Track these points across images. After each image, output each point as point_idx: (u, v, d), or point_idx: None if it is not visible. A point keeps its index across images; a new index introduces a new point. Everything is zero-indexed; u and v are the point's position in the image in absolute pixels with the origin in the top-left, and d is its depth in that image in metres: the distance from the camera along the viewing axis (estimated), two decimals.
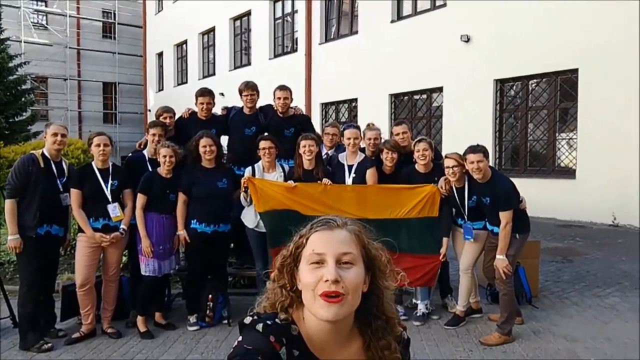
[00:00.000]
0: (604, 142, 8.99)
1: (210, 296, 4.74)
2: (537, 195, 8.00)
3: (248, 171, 4.82)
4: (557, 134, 10.22)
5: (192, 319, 4.73)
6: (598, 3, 8.98)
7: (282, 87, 5.40)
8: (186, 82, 21.58)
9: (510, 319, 4.19)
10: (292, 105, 5.53)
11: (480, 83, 11.01)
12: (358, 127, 5.00)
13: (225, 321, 4.78)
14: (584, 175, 9.39)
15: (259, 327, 1.16)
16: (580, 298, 5.14)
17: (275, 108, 5.43)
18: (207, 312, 4.73)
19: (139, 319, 4.60)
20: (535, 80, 10.54)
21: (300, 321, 1.21)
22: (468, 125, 10.87)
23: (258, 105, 5.57)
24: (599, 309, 4.82)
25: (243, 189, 4.65)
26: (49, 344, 4.27)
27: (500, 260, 4.19)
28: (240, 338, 1.17)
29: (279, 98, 5.34)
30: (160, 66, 23.79)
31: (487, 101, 10.99)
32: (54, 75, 23.90)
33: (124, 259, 5.11)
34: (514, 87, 11.02)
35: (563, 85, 10.01)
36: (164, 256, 4.68)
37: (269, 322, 1.18)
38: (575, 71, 9.58)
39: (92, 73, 25.30)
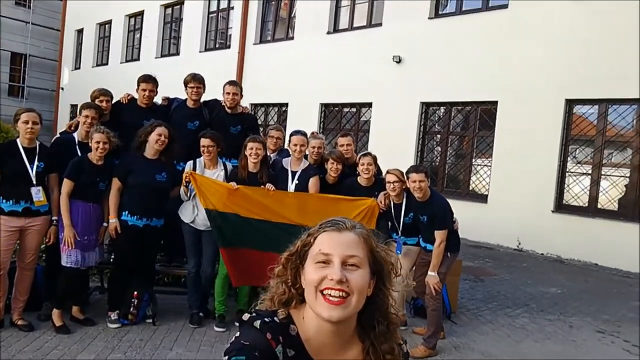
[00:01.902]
0: (514, 172, 9.67)
1: (135, 293, 4.52)
2: None
3: (189, 165, 4.68)
4: (473, 160, 10.86)
5: (114, 315, 4.48)
6: (520, 41, 9.69)
7: (232, 83, 5.29)
8: (107, 64, 20.46)
9: (436, 333, 4.39)
10: (240, 103, 5.44)
11: (408, 103, 11.45)
12: (305, 134, 5.02)
13: (150, 320, 4.58)
14: (495, 200, 10.04)
15: (257, 323, 1.16)
16: (493, 317, 5.48)
17: (223, 103, 5.30)
18: (131, 309, 4.50)
19: (55, 312, 4.29)
20: (458, 107, 11.14)
21: (300, 321, 1.21)
22: (393, 143, 11.25)
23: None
24: (511, 328, 5.16)
25: (184, 183, 4.51)
26: None
27: (432, 277, 4.37)
28: (237, 334, 1.16)
29: (228, 93, 5.20)
30: (80, 43, 22.33)
31: (413, 122, 11.44)
32: None
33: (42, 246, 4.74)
34: (438, 112, 11.57)
35: (483, 115, 10.67)
36: (89, 247, 4.40)
37: (267, 319, 1.18)
38: (495, 103, 10.24)
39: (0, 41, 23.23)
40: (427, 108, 11.49)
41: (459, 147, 11.20)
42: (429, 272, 4.40)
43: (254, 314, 1.20)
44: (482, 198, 10.40)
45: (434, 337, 4.36)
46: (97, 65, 21.07)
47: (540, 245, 9.18)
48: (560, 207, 9.22)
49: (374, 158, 4.83)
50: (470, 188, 10.81)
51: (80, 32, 22.25)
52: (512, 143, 9.79)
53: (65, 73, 22.55)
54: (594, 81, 8.75)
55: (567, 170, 9.33)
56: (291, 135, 4.97)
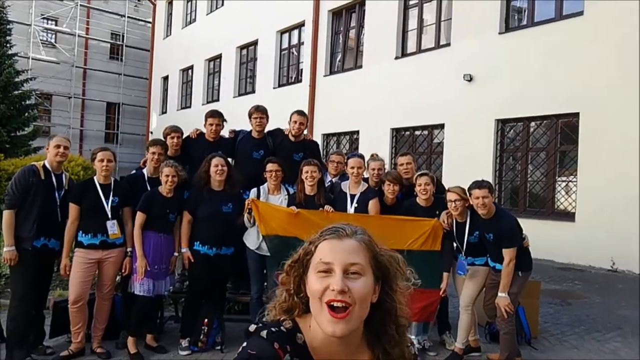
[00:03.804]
0: (603, 186, 9.00)
1: (205, 320, 4.64)
2: (536, 236, 7.88)
3: (253, 192, 4.82)
4: (556, 177, 10.24)
5: (185, 342, 4.62)
6: (598, 48, 9.15)
7: (300, 112, 5.45)
8: (190, 107, 21.72)
9: (510, 358, 4.11)
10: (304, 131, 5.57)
11: (482, 122, 11.09)
12: (362, 157, 5.00)
13: (218, 347, 4.67)
14: (583, 219, 9.36)
15: (264, 333, 1.16)
16: (579, 342, 5.05)
17: (287, 132, 5.45)
18: (201, 336, 4.62)
19: (130, 340, 4.49)
20: (536, 122, 10.63)
21: (307, 330, 1.20)
22: (468, 163, 10.90)
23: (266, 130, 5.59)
24: (599, 353, 4.72)
25: (247, 211, 4.63)
26: None
27: (503, 298, 4.13)
28: (244, 344, 1.16)
29: (295, 122, 5.38)
30: (165, 89, 23.98)
31: (488, 140, 11.04)
32: (59, 92, 24.06)
33: (118, 277, 5.01)
34: (515, 128, 11.10)
35: (564, 129, 10.10)
36: (160, 276, 4.61)
37: (273, 329, 1.17)
38: (576, 115, 9.66)
39: (97, 93, 25.48)
40: (502, 125, 11.06)
41: (540, 163, 10.63)
42: (499, 293, 4.15)
43: (260, 325, 1.20)
44: (569, 217, 9.74)
45: None
46: (182, 109, 22.40)
47: (638, 265, 8.39)
48: None
49: (431, 177, 4.67)
50: (556, 206, 10.17)
51: (165, 79, 23.88)
52: (598, 156, 9.14)
53: (153, 118, 24.18)
54: None
55: None
56: (348, 158, 4.98)
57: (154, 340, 4.68)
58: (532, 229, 8.78)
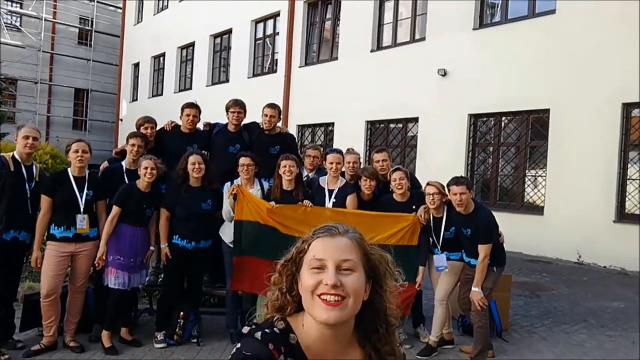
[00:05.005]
0: (570, 182, 9.25)
1: (181, 313, 4.61)
2: (506, 229, 8.04)
3: (227, 186, 4.77)
4: (526, 171, 10.48)
5: (160, 336, 4.58)
6: (570, 46, 9.36)
7: (271, 105, 5.41)
8: (161, 94, 21.36)
9: (483, 351, 4.21)
10: (278, 124, 5.53)
11: (455, 116, 11.24)
12: (341, 152, 5.02)
13: (194, 340, 4.64)
14: (551, 212, 9.62)
15: (258, 335, 1.16)
16: (548, 333, 5.21)
17: (261, 125, 5.41)
18: (177, 330, 4.58)
19: (104, 334, 4.42)
20: (507, 118, 10.83)
21: (299, 329, 1.21)
22: (441, 157, 11.06)
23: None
24: (567, 345, 4.88)
25: (231, 196, 4.60)
26: (6, 356, 4.07)
27: (476, 293, 4.21)
28: (238, 345, 1.16)
29: (266, 115, 5.34)
30: (136, 76, 23.49)
31: (461, 134, 11.21)
32: (25, 77, 23.32)
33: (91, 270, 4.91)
34: (487, 123, 11.29)
35: (534, 124, 10.32)
36: (135, 269, 4.54)
37: (267, 330, 1.18)
38: (546, 111, 9.89)
39: (64, 78, 24.78)
40: (475, 120, 11.23)
41: (511, 158, 10.85)
42: (473, 288, 4.24)
43: (253, 326, 1.21)
44: (538, 210, 9.99)
45: (481, 356, 4.19)
46: (153, 96, 22.02)
47: (603, 258, 8.68)
48: (623, 216, 8.72)
49: (405, 172, 4.73)
50: (525, 200, 10.42)
51: (136, 65, 23.40)
52: (567, 151, 9.39)
53: (123, 105, 23.71)
54: None
55: (628, 177, 8.82)
56: (326, 153, 4.98)
57: (129, 334, 4.62)
58: (502, 221, 8.94)
